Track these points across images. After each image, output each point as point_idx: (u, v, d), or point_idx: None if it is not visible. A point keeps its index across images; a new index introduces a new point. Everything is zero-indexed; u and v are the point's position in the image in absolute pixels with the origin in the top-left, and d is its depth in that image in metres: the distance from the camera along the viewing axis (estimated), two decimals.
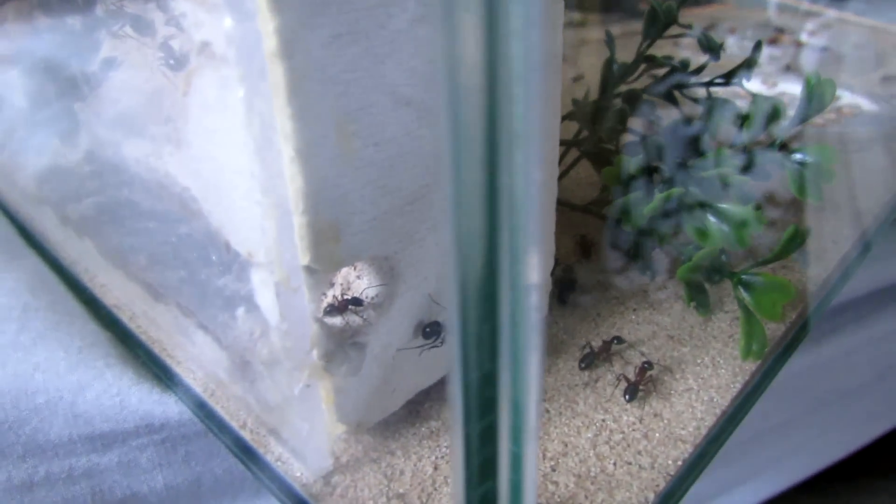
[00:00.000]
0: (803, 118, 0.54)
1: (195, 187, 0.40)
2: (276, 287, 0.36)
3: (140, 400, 0.55)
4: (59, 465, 0.54)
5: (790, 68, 0.90)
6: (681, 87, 0.65)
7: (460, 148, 0.19)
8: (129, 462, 0.56)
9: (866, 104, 0.85)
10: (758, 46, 0.61)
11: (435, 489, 0.42)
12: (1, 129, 0.74)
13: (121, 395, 0.55)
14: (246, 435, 0.47)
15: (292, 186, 0.34)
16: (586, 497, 0.42)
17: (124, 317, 0.60)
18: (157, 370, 0.55)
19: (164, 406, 0.55)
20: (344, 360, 0.41)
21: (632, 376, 0.49)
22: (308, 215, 0.35)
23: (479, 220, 0.19)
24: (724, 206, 0.51)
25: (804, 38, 0.94)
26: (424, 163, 0.40)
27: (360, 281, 0.43)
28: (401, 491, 0.42)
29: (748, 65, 0.59)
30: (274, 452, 0.46)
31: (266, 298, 0.39)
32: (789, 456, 0.90)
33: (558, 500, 0.43)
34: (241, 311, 0.43)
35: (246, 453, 0.47)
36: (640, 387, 0.48)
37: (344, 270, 0.43)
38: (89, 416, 0.54)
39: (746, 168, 0.55)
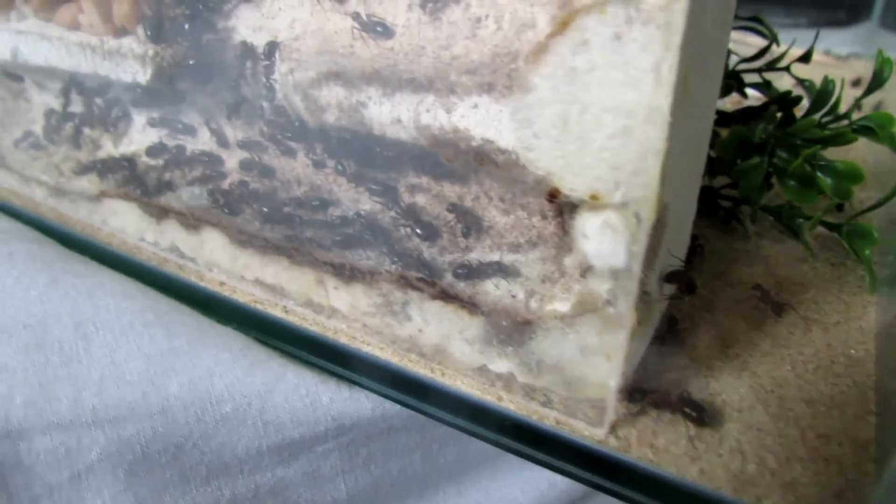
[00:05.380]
0: (869, 91, 0.64)
1: (512, 137, 0.39)
2: (641, 226, 0.37)
3: (331, 399, 0.50)
4: (244, 484, 0.48)
5: None
6: (739, 71, 0.74)
7: None
8: (313, 472, 0.51)
9: None
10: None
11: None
12: None
13: (310, 395, 0.50)
14: (510, 408, 0.45)
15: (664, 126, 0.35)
16: (825, 417, 0.47)
17: (276, 312, 0.53)
18: (343, 368, 0.50)
19: (356, 403, 0.51)
20: (645, 308, 0.42)
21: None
22: (664, 156, 0.36)
23: None
24: (836, 161, 0.60)
25: None
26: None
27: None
28: (691, 434, 0.44)
29: (806, 58, 0.69)
30: (549, 417, 0.45)
31: (601, 243, 0.39)
32: None
33: (805, 424, 0.46)
34: (533, 261, 0.42)
35: (507, 429, 0.45)
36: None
37: None
38: (280, 422, 0.48)
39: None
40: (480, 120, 0.40)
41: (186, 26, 0.50)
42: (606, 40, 0.34)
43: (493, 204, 0.48)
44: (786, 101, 0.63)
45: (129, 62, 0.54)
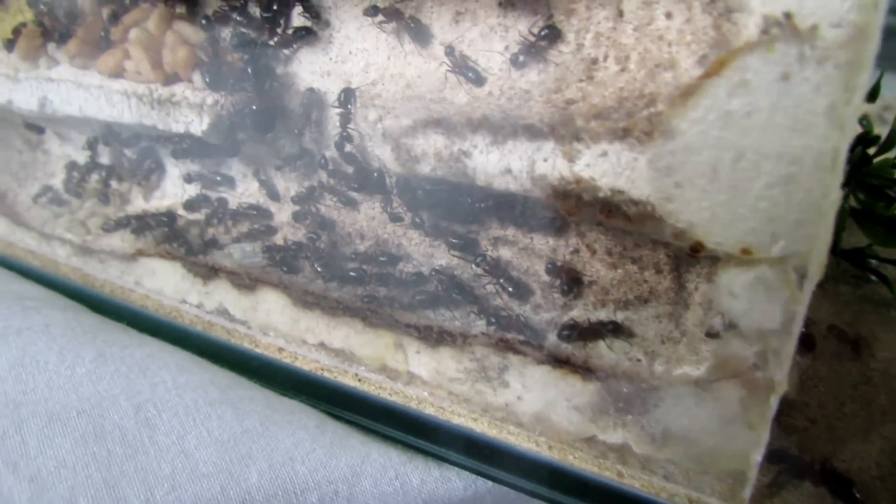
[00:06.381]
0: None
1: (648, 187, 0.35)
2: (804, 283, 0.33)
3: (422, 480, 0.45)
4: None
5: None
6: None
7: None
8: None
9: None
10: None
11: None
12: None
13: (399, 477, 0.44)
14: (635, 485, 0.40)
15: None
16: None
17: (348, 381, 0.48)
18: (430, 442, 0.45)
19: (447, 483, 0.45)
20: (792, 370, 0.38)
21: None
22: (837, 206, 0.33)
23: None
24: None
25: None
26: None
27: None
28: None
29: (872, 96, 0.68)
30: (679, 495, 0.40)
31: (753, 301, 0.35)
32: None
33: None
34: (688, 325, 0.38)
35: None
36: None
37: None
38: None
39: None
40: (609, 169, 0.36)
41: (249, 71, 0.46)
42: (771, 81, 0.31)
43: (597, 257, 0.44)
44: (864, 141, 0.61)
45: (184, 111, 0.49)
